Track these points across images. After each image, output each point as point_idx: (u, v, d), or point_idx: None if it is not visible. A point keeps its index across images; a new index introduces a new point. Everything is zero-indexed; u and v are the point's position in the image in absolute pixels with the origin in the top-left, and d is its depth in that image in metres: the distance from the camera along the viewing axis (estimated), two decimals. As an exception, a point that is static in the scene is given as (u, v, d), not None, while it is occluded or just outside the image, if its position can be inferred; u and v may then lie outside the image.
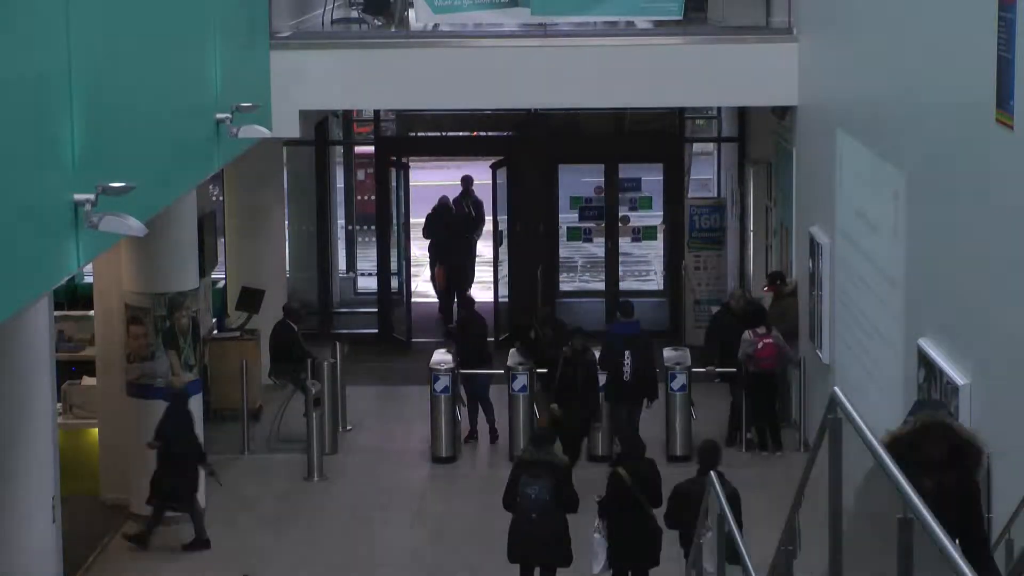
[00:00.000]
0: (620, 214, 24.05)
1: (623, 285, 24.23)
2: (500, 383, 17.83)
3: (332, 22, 19.84)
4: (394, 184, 23.27)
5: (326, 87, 17.72)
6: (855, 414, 6.01)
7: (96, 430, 16.34)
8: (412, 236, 23.70)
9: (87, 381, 16.89)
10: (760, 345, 17.26)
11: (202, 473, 15.41)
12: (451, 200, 24.70)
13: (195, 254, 15.96)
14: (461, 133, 25.70)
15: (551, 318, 19.40)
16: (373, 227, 24.13)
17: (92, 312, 16.90)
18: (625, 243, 24.61)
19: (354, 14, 20.91)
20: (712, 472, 10.18)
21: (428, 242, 24.69)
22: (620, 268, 24.17)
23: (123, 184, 9.30)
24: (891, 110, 13.41)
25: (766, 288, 19.06)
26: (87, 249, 9.27)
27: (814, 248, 16.61)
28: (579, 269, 27.52)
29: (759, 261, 21.08)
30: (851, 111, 15.18)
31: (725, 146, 24.53)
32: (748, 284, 21.59)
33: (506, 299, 22.74)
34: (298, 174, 23.59)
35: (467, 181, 24.83)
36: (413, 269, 25.17)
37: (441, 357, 17.82)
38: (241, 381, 17.92)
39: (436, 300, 24.25)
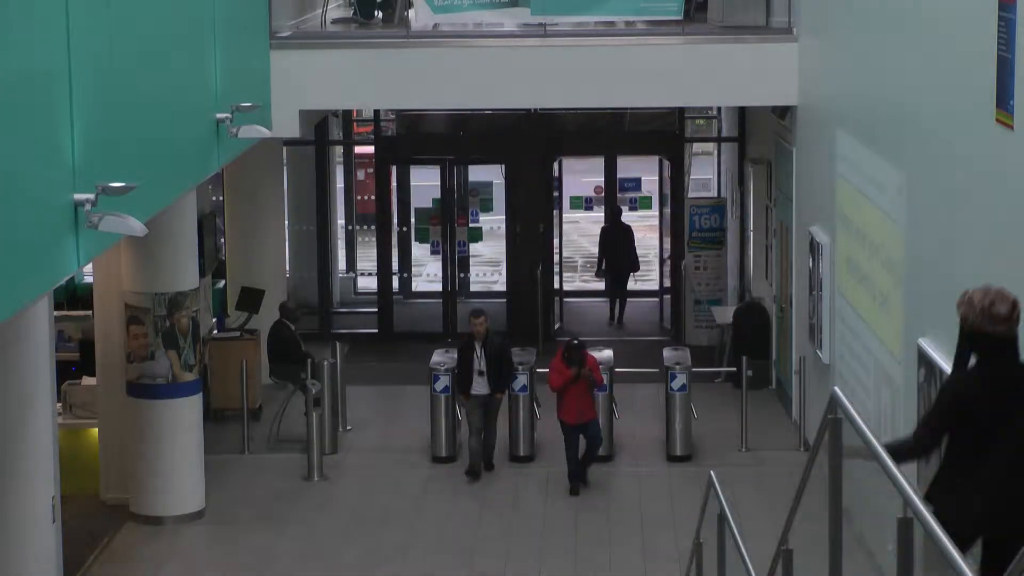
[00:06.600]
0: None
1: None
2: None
3: (331, 22, 19.83)
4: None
5: (326, 87, 17.72)
6: (855, 414, 6.01)
7: (96, 430, 16.34)
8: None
9: (87, 381, 16.89)
10: None
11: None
12: None
13: (195, 254, 15.95)
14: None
15: None
16: (373, 227, 24.15)
17: (92, 312, 16.89)
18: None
19: (351, 14, 20.90)
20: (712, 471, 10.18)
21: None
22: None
23: (123, 184, 9.31)
24: (891, 110, 13.40)
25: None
26: (87, 249, 9.28)
27: (814, 248, 16.60)
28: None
29: (759, 261, 21.08)
30: (851, 111, 15.18)
31: (725, 146, 24.53)
32: (748, 284, 21.60)
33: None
34: (298, 174, 23.58)
35: None
36: (413, 269, 25.19)
37: (441, 357, 17.80)
38: (241, 381, 17.92)
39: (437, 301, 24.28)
